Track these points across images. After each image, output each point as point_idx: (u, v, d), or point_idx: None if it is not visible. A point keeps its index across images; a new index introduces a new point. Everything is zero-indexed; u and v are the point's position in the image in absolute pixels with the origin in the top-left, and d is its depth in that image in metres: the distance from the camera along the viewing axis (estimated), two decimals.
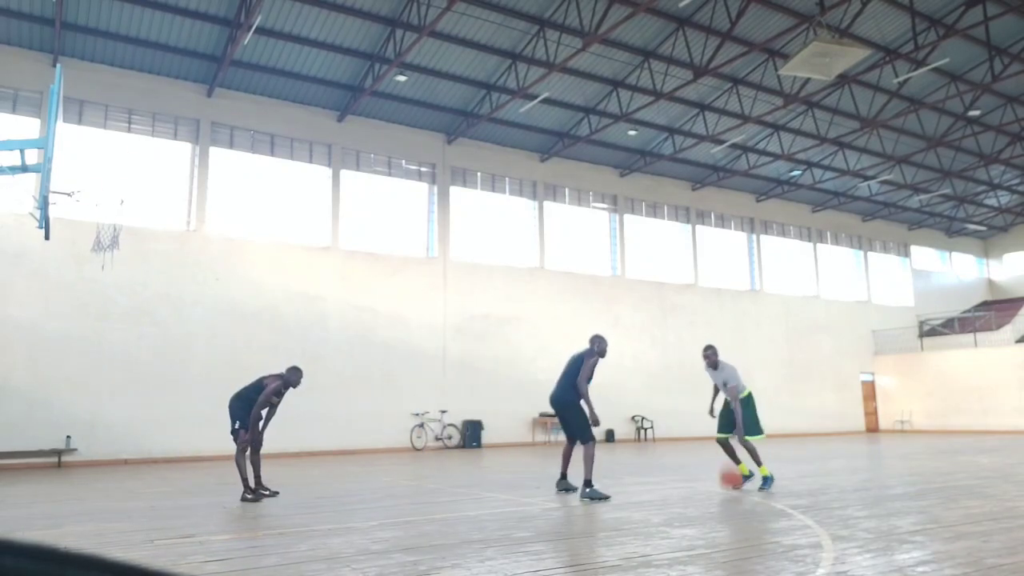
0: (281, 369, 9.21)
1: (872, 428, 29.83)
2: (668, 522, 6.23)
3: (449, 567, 4.62)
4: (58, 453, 15.22)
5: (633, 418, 23.48)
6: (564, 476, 8.65)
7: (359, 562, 4.73)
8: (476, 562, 4.69)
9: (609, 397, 23.03)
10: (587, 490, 7.76)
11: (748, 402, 8.90)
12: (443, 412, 20.08)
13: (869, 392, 30.15)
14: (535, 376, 21.87)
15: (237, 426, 8.68)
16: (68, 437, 15.43)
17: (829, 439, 23.56)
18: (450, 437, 20.17)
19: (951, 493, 8.09)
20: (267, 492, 8.63)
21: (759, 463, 8.74)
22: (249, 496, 8.27)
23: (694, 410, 24.93)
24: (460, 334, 20.90)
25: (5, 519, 7.39)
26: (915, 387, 29.08)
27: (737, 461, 8.93)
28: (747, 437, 8.77)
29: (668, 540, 5.36)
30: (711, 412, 9.33)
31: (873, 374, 30.31)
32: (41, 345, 15.58)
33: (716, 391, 9.26)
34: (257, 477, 8.61)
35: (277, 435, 17.35)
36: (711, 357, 9.04)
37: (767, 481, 8.62)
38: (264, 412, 8.84)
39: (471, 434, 20.14)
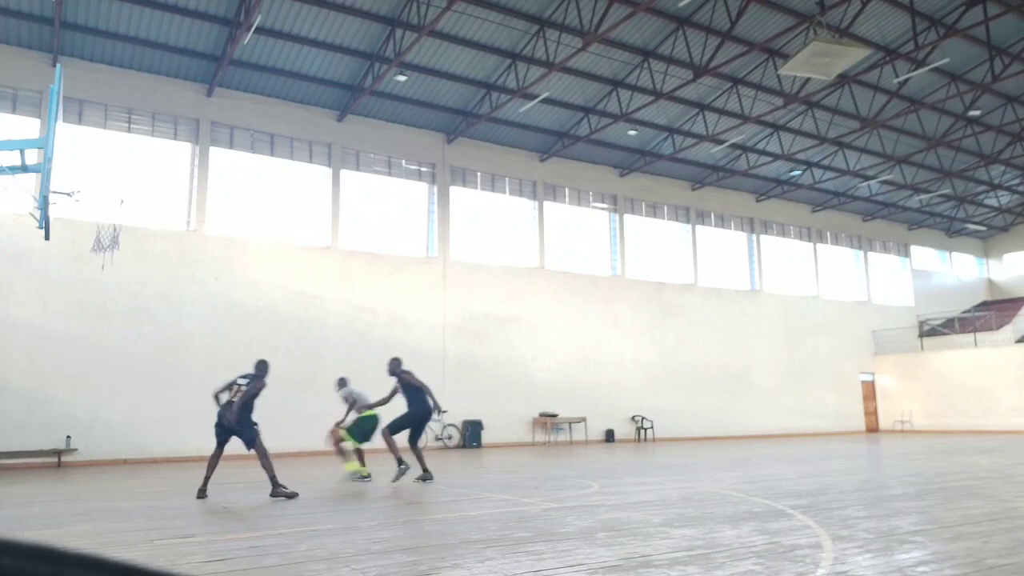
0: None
1: (872, 428, 29.84)
2: (668, 522, 6.23)
3: (449, 567, 4.62)
4: (58, 453, 15.22)
5: (633, 418, 23.48)
6: (402, 462, 10.23)
7: (359, 562, 4.73)
8: (476, 562, 4.69)
9: (609, 397, 23.11)
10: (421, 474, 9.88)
11: (371, 418, 11.51)
12: (443, 412, 20.04)
13: (869, 392, 30.16)
14: (535, 376, 21.91)
15: (250, 438, 8.81)
16: (68, 437, 15.43)
17: (829, 439, 23.56)
18: (450, 437, 20.17)
19: (951, 493, 8.09)
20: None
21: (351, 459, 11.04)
22: (284, 490, 8.47)
23: (694, 410, 25.03)
24: (460, 334, 20.90)
25: (5, 519, 7.39)
26: (915, 387, 29.09)
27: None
28: (354, 441, 11.22)
29: (668, 540, 5.36)
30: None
31: (873, 374, 30.32)
32: (41, 345, 15.58)
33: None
34: (274, 473, 8.77)
35: (277, 435, 17.39)
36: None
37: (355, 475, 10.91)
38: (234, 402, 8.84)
39: (471, 434, 20.13)
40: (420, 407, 11.20)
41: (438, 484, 10.33)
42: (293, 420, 17.72)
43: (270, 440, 9.32)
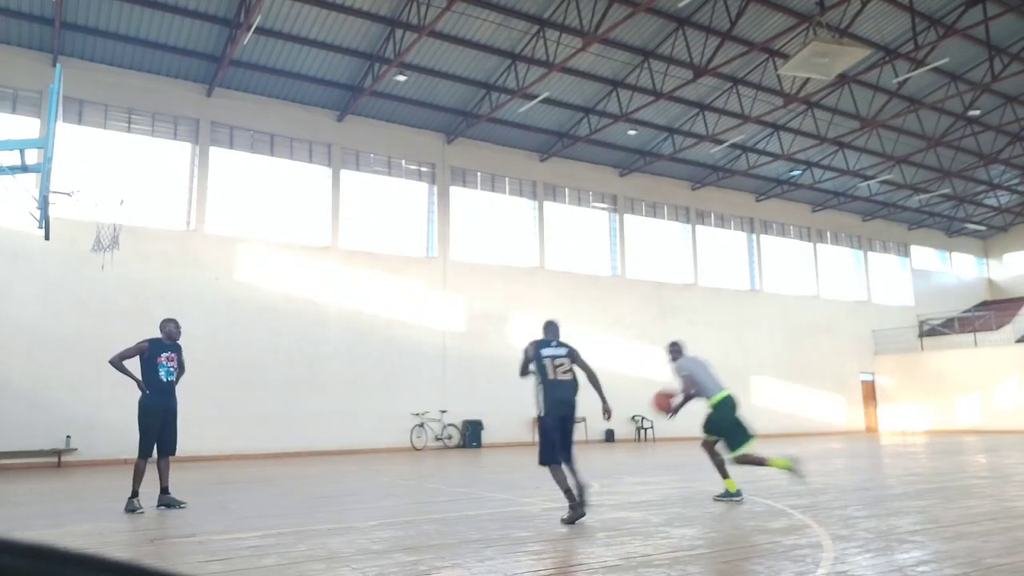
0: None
1: (872, 428, 29.83)
2: (668, 522, 6.23)
3: (449, 567, 4.62)
4: (58, 453, 15.22)
5: (633, 418, 23.47)
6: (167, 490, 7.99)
7: (359, 562, 4.73)
8: (476, 562, 4.69)
9: (609, 397, 23.07)
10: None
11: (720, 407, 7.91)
12: (443, 412, 20.07)
13: (869, 392, 30.14)
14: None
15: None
16: (68, 437, 15.43)
17: (829, 439, 23.55)
18: (450, 437, 20.16)
19: (950, 493, 8.09)
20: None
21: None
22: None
23: (694, 410, 24.96)
24: (460, 334, 20.90)
25: (5, 519, 7.39)
26: (915, 387, 29.07)
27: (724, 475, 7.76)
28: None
29: (668, 540, 5.36)
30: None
31: (873, 374, 30.30)
32: (41, 345, 15.58)
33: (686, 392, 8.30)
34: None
35: (278, 435, 17.42)
36: (674, 352, 8.22)
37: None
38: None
39: (471, 434, 20.13)
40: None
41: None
42: (294, 420, 17.73)
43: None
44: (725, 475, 7.68)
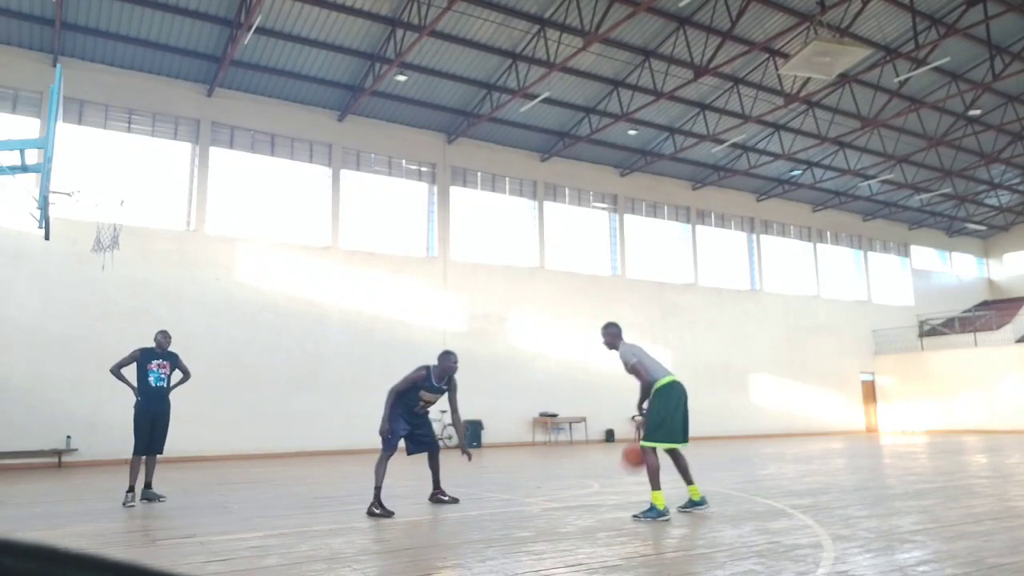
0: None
1: (872, 428, 29.83)
2: (668, 522, 6.22)
3: (450, 567, 4.61)
4: (58, 453, 15.22)
5: (633, 418, 23.42)
6: (150, 485, 8.66)
7: (360, 562, 4.72)
8: (476, 562, 4.69)
9: (609, 397, 23.07)
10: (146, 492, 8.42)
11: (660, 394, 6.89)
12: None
13: (869, 392, 30.14)
14: (535, 376, 21.90)
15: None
16: (68, 437, 15.43)
17: (829, 439, 23.55)
18: (450, 437, 20.15)
19: (951, 493, 8.08)
20: (446, 499, 7.75)
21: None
22: (376, 510, 6.98)
23: (694, 410, 24.89)
24: (460, 334, 20.89)
25: (5, 519, 7.39)
26: (915, 387, 29.07)
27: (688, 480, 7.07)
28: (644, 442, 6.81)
29: (669, 540, 5.36)
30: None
31: (873, 374, 30.30)
32: (41, 345, 15.58)
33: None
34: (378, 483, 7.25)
35: (278, 435, 17.41)
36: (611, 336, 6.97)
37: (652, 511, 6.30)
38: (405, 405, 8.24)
39: (471, 434, 20.13)
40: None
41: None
42: (294, 420, 17.73)
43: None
44: (690, 480, 7.01)
